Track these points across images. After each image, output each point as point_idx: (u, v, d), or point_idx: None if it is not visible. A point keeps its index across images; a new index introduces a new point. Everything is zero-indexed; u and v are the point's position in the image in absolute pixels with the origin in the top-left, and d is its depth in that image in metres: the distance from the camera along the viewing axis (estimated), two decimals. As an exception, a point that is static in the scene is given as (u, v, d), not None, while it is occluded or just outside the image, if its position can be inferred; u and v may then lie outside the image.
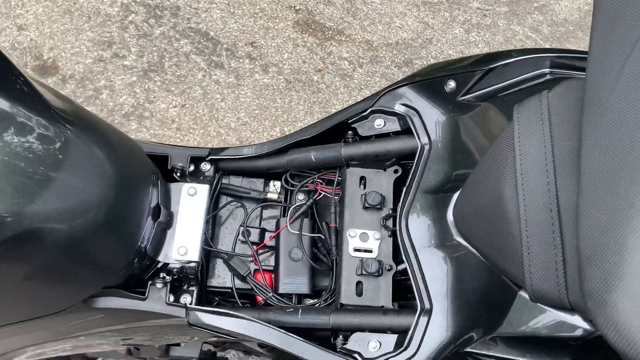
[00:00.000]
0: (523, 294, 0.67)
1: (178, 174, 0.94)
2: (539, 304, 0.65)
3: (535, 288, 0.62)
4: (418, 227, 0.81)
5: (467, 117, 0.82)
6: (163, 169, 0.93)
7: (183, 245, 0.88)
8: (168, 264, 0.89)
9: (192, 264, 0.89)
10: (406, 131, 0.89)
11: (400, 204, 0.83)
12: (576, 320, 0.63)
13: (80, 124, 0.74)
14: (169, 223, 0.89)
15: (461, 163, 0.80)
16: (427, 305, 0.77)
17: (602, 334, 0.48)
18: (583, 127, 0.59)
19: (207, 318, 0.87)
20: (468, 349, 0.71)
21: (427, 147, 0.84)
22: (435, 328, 0.75)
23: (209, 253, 0.97)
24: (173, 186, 0.92)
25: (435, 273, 0.77)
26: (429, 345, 0.75)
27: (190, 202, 0.91)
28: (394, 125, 0.90)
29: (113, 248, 0.79)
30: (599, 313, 0.48)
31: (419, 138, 0.85)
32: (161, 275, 0.89)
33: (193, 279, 0.91)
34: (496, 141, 0.72)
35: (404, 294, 0.92)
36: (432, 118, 0.85)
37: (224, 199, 1.01)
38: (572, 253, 0.60)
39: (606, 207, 0.51)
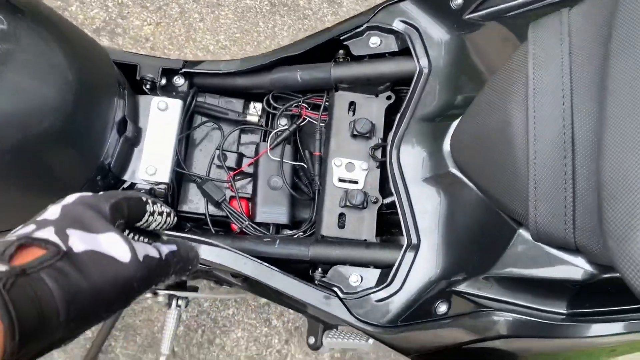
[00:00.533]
0: (523, 232, 0.62)
1: (148, 87, 0.85)
2: (540, 244, 0.59)
3: (540, 226, 0.57)
4: (410, 158, 0.74)
5: (473, 37, 0.74)
6: (131, 79, 0.84)
7: (152, 164, 0.80)
8: (135, 184, 0.81)
9: (162, 186, 0.82)
10: (404, 52, 0.81)
11: (392, 131, 0.76)
12: (579, 261, 0.58)
13: (35, 14, 0.64)
14: (136, 139, 0.81)
15: (463, 88, 0.72)
16: (414, 241, 0.71)
17: (622, 275, 0.43)
18: (612, 48, 0.52)
19: (177, 244, 0.81)
20: (457, 288, 0.66)
21: (425, 71, 0.76)
22: (423, 264, 0.70)
23: (181, 176, 0.89)
24: (142, 99, 0.83)
25: (425, 206, 0.72)
26: (414, 282, 0.70)
27: (161, 117, 0.82)
28: (391, 45, 0.82)
29: (72, 162, 0.70)
30: (621, 252, 0.42)
31: (417, 60, 0.77)
32: (127, 196, 0.81)
33: (162, 202, 0.83)
34: (506, 63, 0.65)
35: (389, 229, 0.87)
36: (434, 37, 0.77)
37: (198, 119, 0.92)
38: (585, 189, 0.54)
39: (637, 141, 0.44)
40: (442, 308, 0.66)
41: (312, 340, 1.04)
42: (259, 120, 0.92)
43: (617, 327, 0.55)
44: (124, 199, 0.47)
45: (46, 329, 0.37)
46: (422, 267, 0.70)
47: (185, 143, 0.90)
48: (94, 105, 0.70)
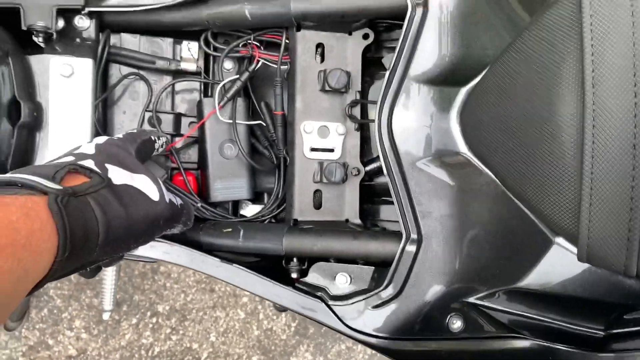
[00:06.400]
0: (562, 243, 0.50)
1: (40, 39, 0.61)
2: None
3: (593, 248, 0.45)
4: (405, 129, 0.59)
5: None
6: (13, 30, 0.60)
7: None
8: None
9: (82, 178, 0.62)
10: (388, -19, 0.61)
11: (381, 92, 0.59)
12: (632, 284, 0.48)
13: None
14: (36, 122, 0.59)
15: (476, 43, 0.55)
16: (413, 235, 0.59)
17: None
18: None
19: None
20: (474, 300, 0.55)
21: (420, 11, 0.58)
22: (427, 264, 0.58)
23: (103, 150, 0.69)
24: (35, 61, 0.60)
25: (427, 193, 0.58)
26: (417, 285, 0.58)
27: (67, 85, 0.60)
28: (371, -29, 0.61)
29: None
30: None
31: (409, -6, 0.58)
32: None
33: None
34: (544, 17, 0.48)
35: (371, 198, 0.73)
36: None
37: (114, 69, 0.70)
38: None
39: None
40: (456, 323, 0.56)
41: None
42: (197, 67, 0.71)
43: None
44: (142, 143, 0.55)
45: (87, 248, 0.40)
46: (426, 267, 0.58)
47: (103, 105, 0.69)
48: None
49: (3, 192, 0.37)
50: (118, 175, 0.46)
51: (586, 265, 0.49)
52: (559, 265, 0.50)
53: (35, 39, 0.61)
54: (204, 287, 1.60)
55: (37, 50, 0.61)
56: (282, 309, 1.27)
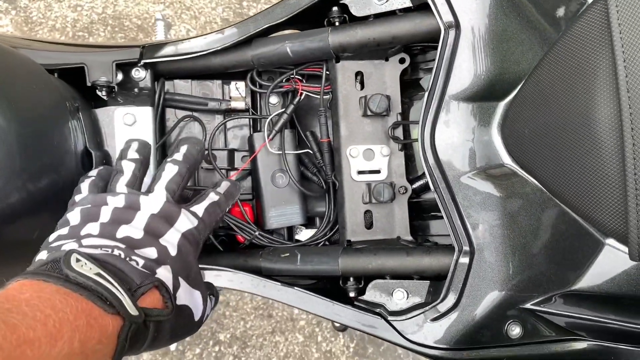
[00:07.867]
0: (612, 243, 0.51)
1: (104, 92, 0.67)
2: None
3: (644, 247, 0.46)
4: (448, 146, 0.61)
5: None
6: (78, 84, 0.66)
7: (132, 195, 0.65)
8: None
9: (149, 216, 0.67)
10: (419, 8, 0.64)
11: (422, 112, 0.62)
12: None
13: None
14: (106, 168, 0.65)
15: (510, 58, 0.57)
16: (465, 247, 0.61)
17: None
18: None
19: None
20: (530, 306, 0.57)
21: (453, 32, 0.60)
22: (481, 274, 0.60)
23: (165, 189, 0.74)
24: (101, 113, 0.66)
25: (475, 205, 0.60)
26: (473, 296, 0.60)
27: (131, 134, 0.66)
28: (402, 0, 0.65)
29: (40, 228, 0.55)
30: None
31: (440, 17, 0.61)
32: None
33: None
34: (574, 27, 0.50)
35: (419, 214, 0.76)
36: (460, -12, 0.60)
37: (170, 113, 0.76)
38: None
39: None
40: (515, 330, 0.57)
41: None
42: (246, 105, 0.76)
43: None
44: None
45: (133, 354, 0.45)
46: (481, 277, 0.60)
47: (162, 147, 0.74)
48: (45, 153, 0.54)
49: (91, 298, 0.40)
50: (183, 294, 0.48)
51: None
52: (612, 265, 0.51)
53: (99, 93, 0.67)
54: (261, 314, 1.64)
55: (101, 103, 0.67)
56: (341, 328, 1.29)
